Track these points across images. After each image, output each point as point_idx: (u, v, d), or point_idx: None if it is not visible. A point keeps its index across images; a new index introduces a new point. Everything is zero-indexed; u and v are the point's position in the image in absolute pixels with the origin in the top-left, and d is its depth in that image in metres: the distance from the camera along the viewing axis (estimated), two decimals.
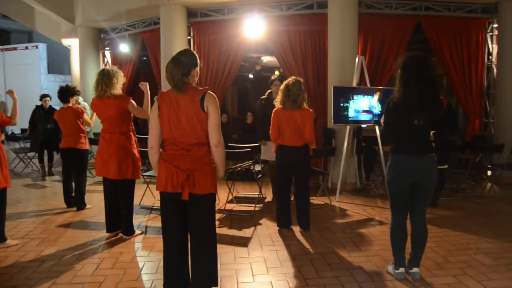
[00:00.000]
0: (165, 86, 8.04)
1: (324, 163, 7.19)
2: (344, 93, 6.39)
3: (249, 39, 7.83)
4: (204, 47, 8.19)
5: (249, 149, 5.49)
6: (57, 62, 19.06)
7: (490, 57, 8.07)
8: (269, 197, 6.55)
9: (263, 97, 6.39)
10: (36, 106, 9.13)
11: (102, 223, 4.86)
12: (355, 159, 7.04)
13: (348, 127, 6.61)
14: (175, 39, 7.93)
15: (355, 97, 6.42)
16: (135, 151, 4.56)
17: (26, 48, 17.94)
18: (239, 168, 5.70)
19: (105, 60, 10.35)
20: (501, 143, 6.63)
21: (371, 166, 7.36)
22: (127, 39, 9.39)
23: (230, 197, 6.19)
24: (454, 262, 3.87)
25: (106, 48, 10.25)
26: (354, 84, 6.73)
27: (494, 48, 7.99)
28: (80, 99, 8.85)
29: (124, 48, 9.34)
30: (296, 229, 4.93)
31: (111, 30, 9.75)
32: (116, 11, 8.49)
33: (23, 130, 11.58)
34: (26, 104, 15.65)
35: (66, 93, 6.01)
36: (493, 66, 8.03)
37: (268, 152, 6.28)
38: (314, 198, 6.33)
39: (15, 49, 18.13)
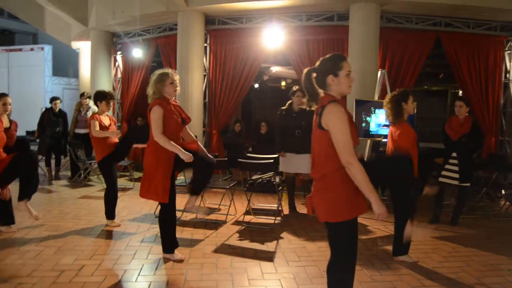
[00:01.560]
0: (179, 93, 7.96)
1: None
2: (366, 107, 6.32)
3: (267, 49, 7.76)
4: (220, 55, 8.12)
5: (272, 160, 5.38)
6: (61, 64, 18.91)
7: (508, 75, 8.03)
8: (286, 210, 6.42)
9: (284, 108, 6.30)
10: (46, 109, 9.01)
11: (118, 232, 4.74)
12: None
13: (369, 141, 6.52)
14: (192, 46, 7.86)
15: (376, 110, 6.34)
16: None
17: (31, 49, 17.71)
18: (260, 180, 5.58)
19: (117, 64, 10.24)
20: None
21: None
22: (140, 44, 9.30)
23: (247, 209, 6.07)
24: (488, 284, 3.77)
25: (118, 52, 10.15)
26: (376, 98, 6.66)
27: (511, 66, 7.96)
28: (91, 103, 8.73)
29: (137, 53, 9.25)
30: (322, 245, 4.82)
31: (124, 34, 9.66)
32: (132, 16, 8.40)
33: (28, 133, 11.44)
34: (30, 106, 15.59)
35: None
36: (510, 84, 7.98)
37: (286, 163, 6.19)
38: None
39: (20, 50, 17.91)
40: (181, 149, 3.81)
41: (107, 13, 8.85)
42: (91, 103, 8.75)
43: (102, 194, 7.09)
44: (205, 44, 8.22)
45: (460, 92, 14.19)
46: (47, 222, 5.40)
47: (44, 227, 5.18)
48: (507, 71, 8.06)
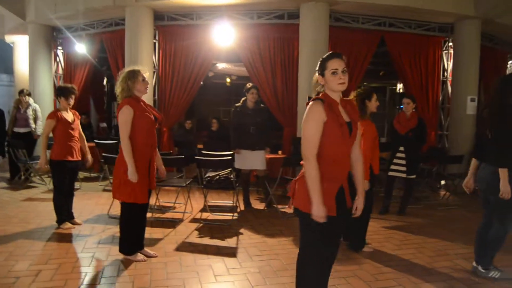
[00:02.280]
0: None
1: (292, 172, 7.24)
2: None
3: (218, 46, 7.73)
4: (170, 51, 7.98)
5: (230, 157, 5.38)
6: None
7: (445, 73, 8.55)
8: (241, 206, 6.44)
9: (238, 104, 6.32)
10: None
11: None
12: None
13: None
14: (141, 42, 7.65)
15: None
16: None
17: None
18: (217, 177, 5.56)
19: (58, 60, 9.76)
20: (460, 154, 7.01)
21: None
22: (84, 39, 8.93)
23: (203, 206, 6.03)
24: (439, 268, 4.02)
25: (59, 48, 9.67)
26: None
27: (448, 64, 8.48)
28: (31, 100, 8.28)
29: (81, 48, 8.87)
30: (282, 239, 4.90)
31: (66, 28, 9.21)
32: (76, 9, 8.02)
33: None
34: None
35: None
36: (448, 81, 8.51)
37: (241, 160, 6.22)
38: (286, 206, 6.33)
39: None
40: (133, 167, 3.69)
41: (47, 6, 8.39)
42: (31, 100, 8.30)
43: (48, 196, 6.84)
44: (154, 40, 8.03)
45: (398, 88, 15.01)
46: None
47: None
48: (444, 70, 8.56)
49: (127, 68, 3.91)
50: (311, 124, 2.48)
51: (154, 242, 4.66)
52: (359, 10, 7.62)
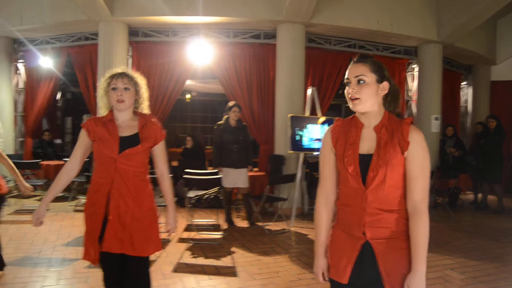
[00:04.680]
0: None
1: (271, 189, 7.31)
2: (299, 122, 6.63)
3: (193, 64, 7.72)
4: (144, 68, 7.84)
5: (221, 176, 5.37)
6: None
7: (409, 93, 9.03)
8: (223, 223, 6.41)
9: (220, 122, 6.33)
10: None
11: None
12: (303, 184, 7.24)
13: (301, 154, 6.82)
14: (115, 57, 7.47)
15: (308, 126, 6.69)
16: None
17: None
18: (206, 196, 5.53)
19: (18, 74, 9.29)
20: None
21: (315, 191, 7.66)
22: (49, 53, 8.59)
23: (184, 225, 5.96)
24: (433, 279, 4.23)
25: (20, 61, 9.22)
26: (307, 114, 7.02)
27: (412, 85, 8.97)
28: None
29: (46, 62, 8.53)
30: (276, 257, 4.94)
31: (28, 41, 8.82)
32: (44, 23, 7.73)
33: None
34: None
35: None
36: (411, 101, 8.98)
37: (224, 178, 6.20)
38: (270, 224, 6.38)
39: None
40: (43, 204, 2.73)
41: (12, 18, 8.01)
42: None
43: (16, 218, 6.52)
44: (128, 56, 7.88)
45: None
46: None
47: None
48: (408, 90, 9.04)
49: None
50: (320, 152, 2.00)
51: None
52: (332, 33, 7.92)
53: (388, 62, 8.64)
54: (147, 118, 2.70)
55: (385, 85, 1.80)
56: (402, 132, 1.73)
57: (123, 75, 2.64)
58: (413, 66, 8.95)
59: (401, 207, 1.76)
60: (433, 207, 7.73)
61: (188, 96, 14.72)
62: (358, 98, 1.76)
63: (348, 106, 1.81)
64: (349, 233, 1.81)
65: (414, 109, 8.96)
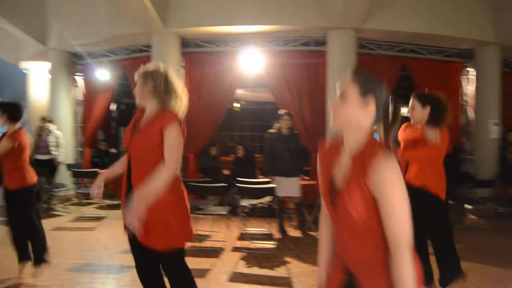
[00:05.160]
0: None
1: None
2: None
3: (244, 73, 7.81)
4: (195, 78, 8.03)
5: (274, 185, 5.38)
6: None
7: (465, 97, 8.69)
8: (275, 232, 6.40)
9: (272, 131, 6.34)
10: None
11: None
12: None
13: None
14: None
15: None
16: None
17: None
18: (260, 205, 5.55)
19: (76, 85, 9.74)
20: (490, 179, 7.07)
21: None
22: (105, 66, 8.95)
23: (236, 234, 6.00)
24: None
25: (78, 74, 9.67)
26: None
27: (468, 89, 8.62)
28: (53, 127, 8.27)
29: (103, 75, 8.89)
30: None
31: (86, 55, 9.25)
32: (100, 36, 8.09)
33: None
34: None
35: None
36: (467, 106, 8.64)
37: (277, 187, 6.19)
38: None
39: None
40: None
41: (71, 33, 8.44)
42: (52, 127, 8.28)
43: (76, 225, 6.79)
44: (180, 67, 8.08)
45: (402, 112, 15.15)
46: None
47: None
48: (464, 94, 8.70)
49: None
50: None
51: (204, 272, 4.61)
52: (383, 37, 7.77)
53: (442, 66, 8.37)
54: (162, 112, 2.60)
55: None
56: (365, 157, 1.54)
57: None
58: (468, 69, 8.60)
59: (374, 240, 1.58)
60: (493, 216, 7.41)
61: (237, 105, 14.88)
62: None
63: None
64: (332, 265, 1.80)
65: (470, 114, 8.59)
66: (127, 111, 13.64)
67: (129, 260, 4.92)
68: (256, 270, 4.74)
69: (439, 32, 7.46)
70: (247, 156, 8.24)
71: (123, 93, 10.81)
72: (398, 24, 7.26)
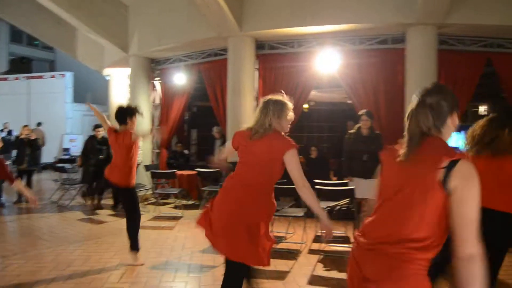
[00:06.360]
0: (230, 117, 7.85)
1: None
2: None
3: (318, 73, 7.72)
4: (269, 79, 8.06)
5: (352, 187, 5.24)
6: (79, 91, 18.86)
7: None
8: (352, 235, 6.23)
9: (352, 131, 6.22)
10: (89, 136, 8.89)
11: None
12: None
13: None
14: (243, 71, 7.80)
15: None
16: None
17: (53, 76, 17.78)
18: (338, 207, 5.43)
19: (155, 90, 10.16)
20: None
21: None
22: (182, 70, 9.24)
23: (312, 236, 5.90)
24: None
25: (156, 79, 10.09)
26: None
27: None
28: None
29: (180, 79, 9.19)
30: None
31: (163, 60, 9.62)
32: (179, 42, 8.37)
33: (62, 160, 11.30)
34: (51, 133, 15.50)
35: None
36: None
37: (355, 188, 6.04)
38: None
39: (40, 77, 17.97)
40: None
41: (151, 40, 8.82)
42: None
43: (155, 224, 7.03)
44: (254, 69, 8.14)
45: (481, 111, 14.17)
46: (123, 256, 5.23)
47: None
48: None
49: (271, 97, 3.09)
50: None
51: (282, 274, 4.58)
52: (466, 32, 7.31)
53: None
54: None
55: None
56: None
57: None
58: None
59: None
60: None
61: (305, 106, 14.78)
62: None
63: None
64: None
65: None
66: (198, 113, 14.04)
67: (209, 260, 5.06)
68: (335, 274, 4.63)
69: None
70: (321, 157, 8.13)
71: (196, 96, 11.11)
72: (485, 17, 6.76)
